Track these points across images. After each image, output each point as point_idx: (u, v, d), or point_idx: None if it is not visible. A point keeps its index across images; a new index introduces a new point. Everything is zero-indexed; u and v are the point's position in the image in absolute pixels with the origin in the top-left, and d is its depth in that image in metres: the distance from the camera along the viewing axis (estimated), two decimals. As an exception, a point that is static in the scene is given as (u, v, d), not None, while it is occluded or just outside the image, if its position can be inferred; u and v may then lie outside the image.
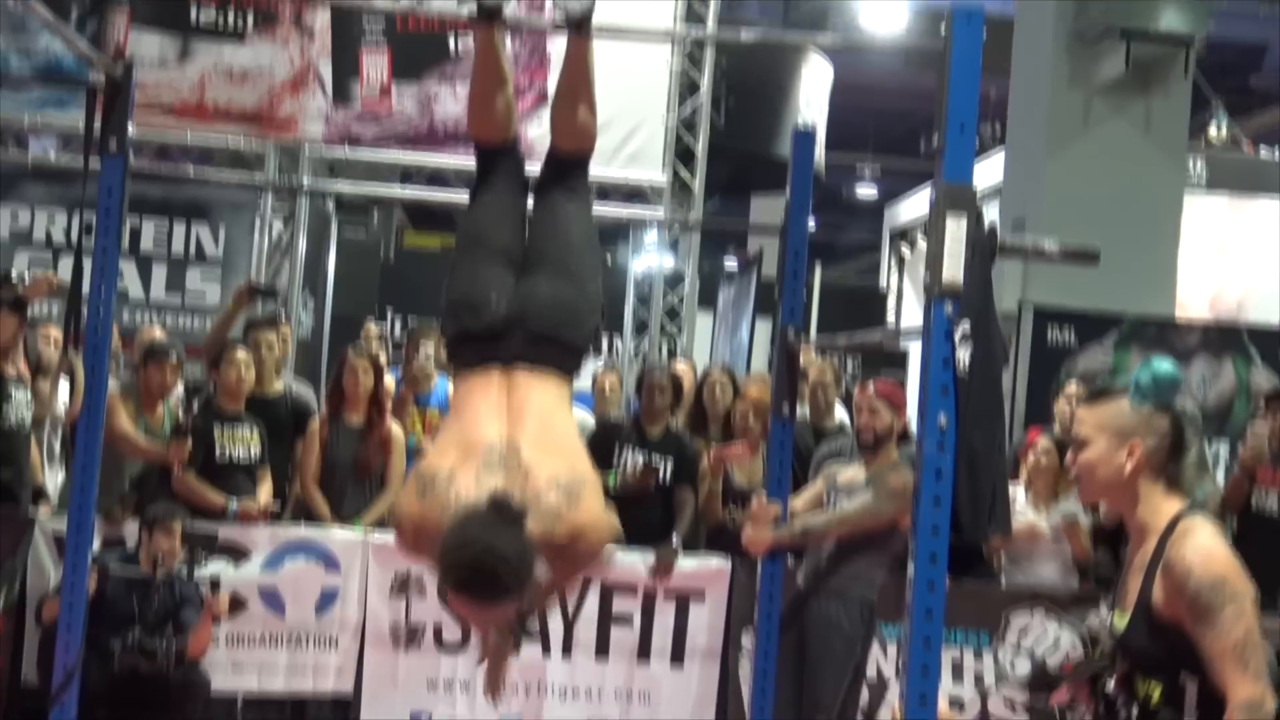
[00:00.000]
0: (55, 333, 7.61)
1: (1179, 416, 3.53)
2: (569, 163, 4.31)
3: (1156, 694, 3.39)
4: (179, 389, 7.73)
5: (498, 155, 4.27)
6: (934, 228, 3.88)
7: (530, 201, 4.29)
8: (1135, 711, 3.44)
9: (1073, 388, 8.44)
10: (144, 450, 7.10)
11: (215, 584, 6.62)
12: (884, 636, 6.98)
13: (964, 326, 3.88)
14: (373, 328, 9.76)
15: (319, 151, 10.46)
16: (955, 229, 3.87)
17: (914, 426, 5.02)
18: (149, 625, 6.47)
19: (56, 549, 6.67)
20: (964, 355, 3.88)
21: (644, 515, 7.27)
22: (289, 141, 10.41)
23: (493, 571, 3.37)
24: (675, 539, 7.23)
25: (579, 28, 4.23)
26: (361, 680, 7.13)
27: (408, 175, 11.51)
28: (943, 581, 3.89)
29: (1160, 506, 3.48)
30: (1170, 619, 3.35)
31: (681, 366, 8.83)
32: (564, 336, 4.00)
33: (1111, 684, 3.51)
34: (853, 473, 6.07)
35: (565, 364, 4.02)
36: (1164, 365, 3.51)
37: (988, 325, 4.00)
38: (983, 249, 3.97)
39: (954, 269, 3.88)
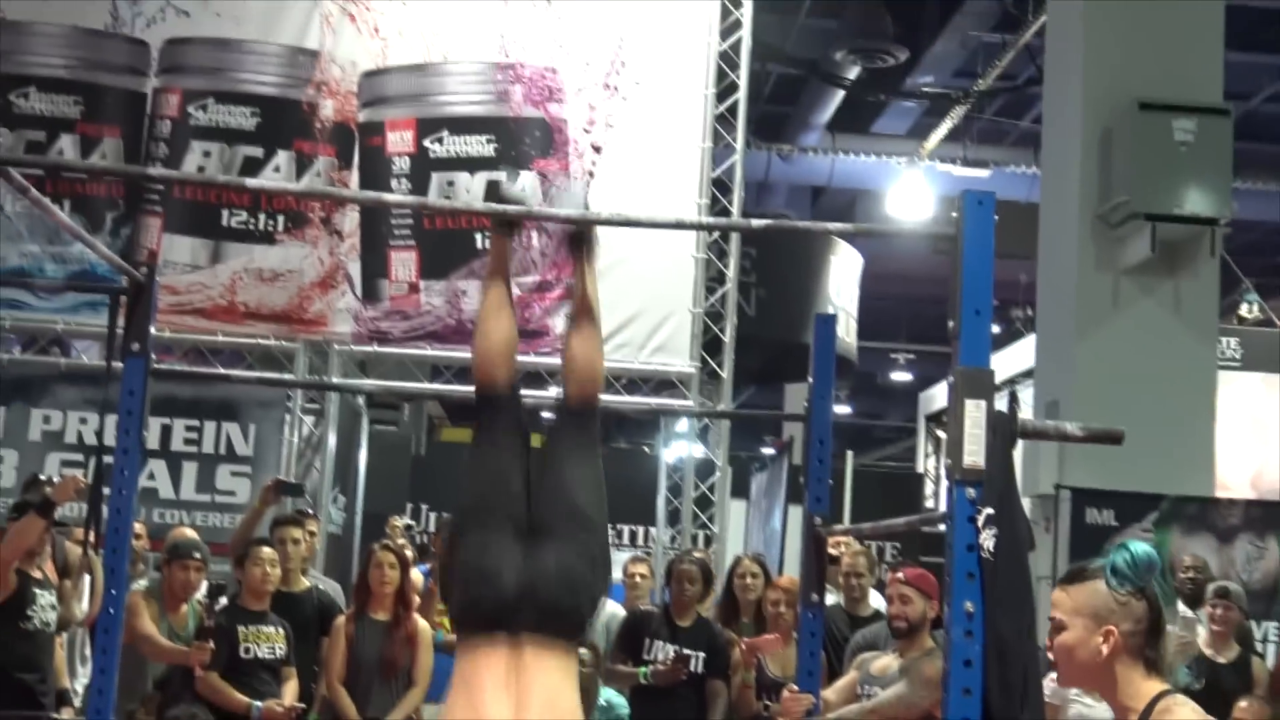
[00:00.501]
0: (82, 535, 7.61)
1: (1155, 598, 3.47)
2: (578, 411, 4.32)
3: None
4: (203, 588, 7.68)
5: (499, 401, 4.26)
6: (953, 413, 3.85)
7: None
8: None
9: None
10: (166, 652, 7.05)
11: None
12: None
13: (987, 511, 3.82)
14: (397, 521, 9.70)
15: (349, 348, 10.53)
16: (974, 413, 3.84)
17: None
18: None
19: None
20: (989, 540, 3.82)
21: (677, 708, 7.15)
22: (318, 340, 10.49)
23: None
24: None
25: (576, 245, 4.29)
26: None
27: (438, 371, 11.57)
28: (976, 774, 3.77)
29: (1140, 689, 3.41)
30: None
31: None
32: (571, 608, 3.99)
33: None
34: (886, 661, 5.96)
35: (572, 633, 4.01)
36: (1140, 546, 3.46)
37: (1012, 509, 3.93)
38: (1004, 432, 3.93)
39: (974, 453, 3.84)
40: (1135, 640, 3.42)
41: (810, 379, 5.78)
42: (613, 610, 8.18)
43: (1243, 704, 6.52)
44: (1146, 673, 3.43)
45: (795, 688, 5.74)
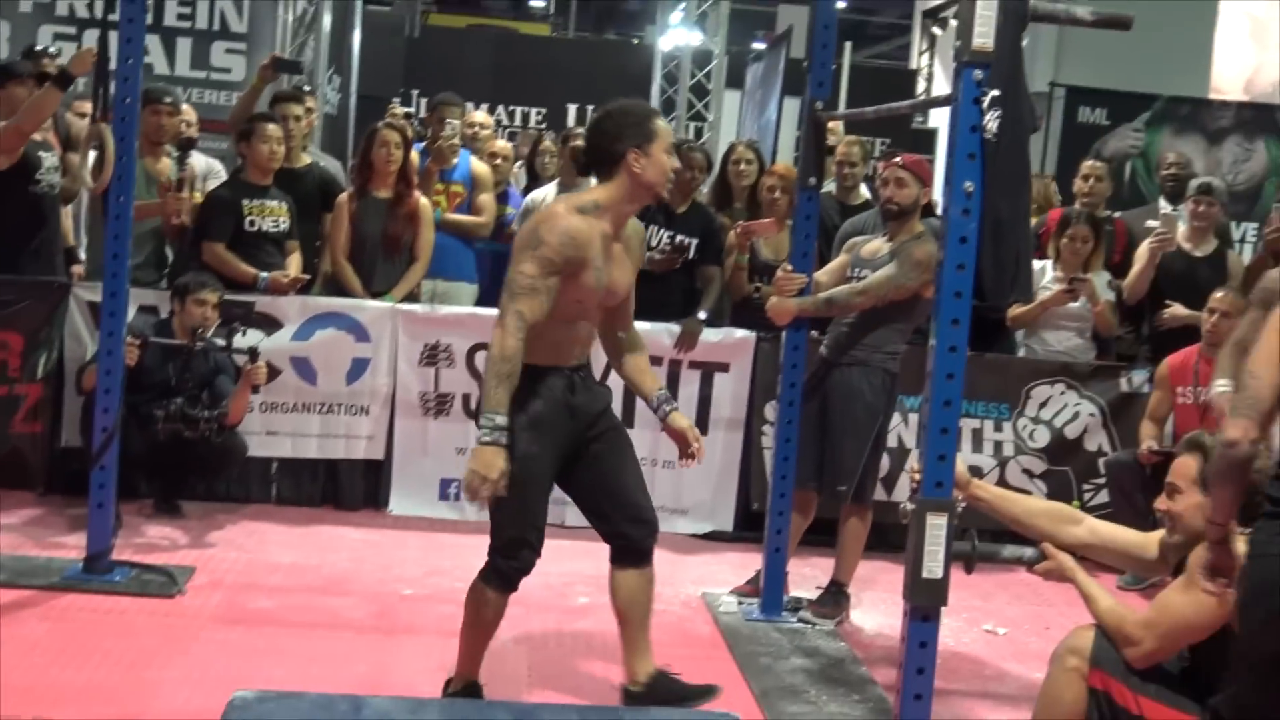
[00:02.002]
0: (87, 107, 7.61)
1: None
2: None
3: None
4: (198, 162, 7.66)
5: None
6: (964, -9, 3.86)
7: None
8: None
9: (1089, 166, 8.34)
10: (140, 209, 7.04)
11: (254, 353, 6.67)
12: (906, 407, 7.11)
13: (993, 93, 3.88)
14: (397, 108, 9.69)
15: (342, -77, 10.32)
16: (986, -7, 3.86)
17: (939, 198, 5.03)
18: (189, 393, 6.62)
19: (92, 317, 6.78)
20: (992, 122, 3.90)
21: (670, 291, 7.34)
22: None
23: None
24: (702, 313, 7.29)
25: None
26: (392, 447, 7.32)
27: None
28: (964, 346, 3.96)
29: None
30: None
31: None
32: None
33: None
34: (876, 245, 6.09)
35: None
36: None
37: (1017, 92, 4.00)
38: (1014, 15, 3.95)
39: (984, 34, 3.88)
40: None
41: (817, -36, 5.74)
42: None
43: (1218, 295, 6.73)
44: None
45: (789, 267, 5.92)
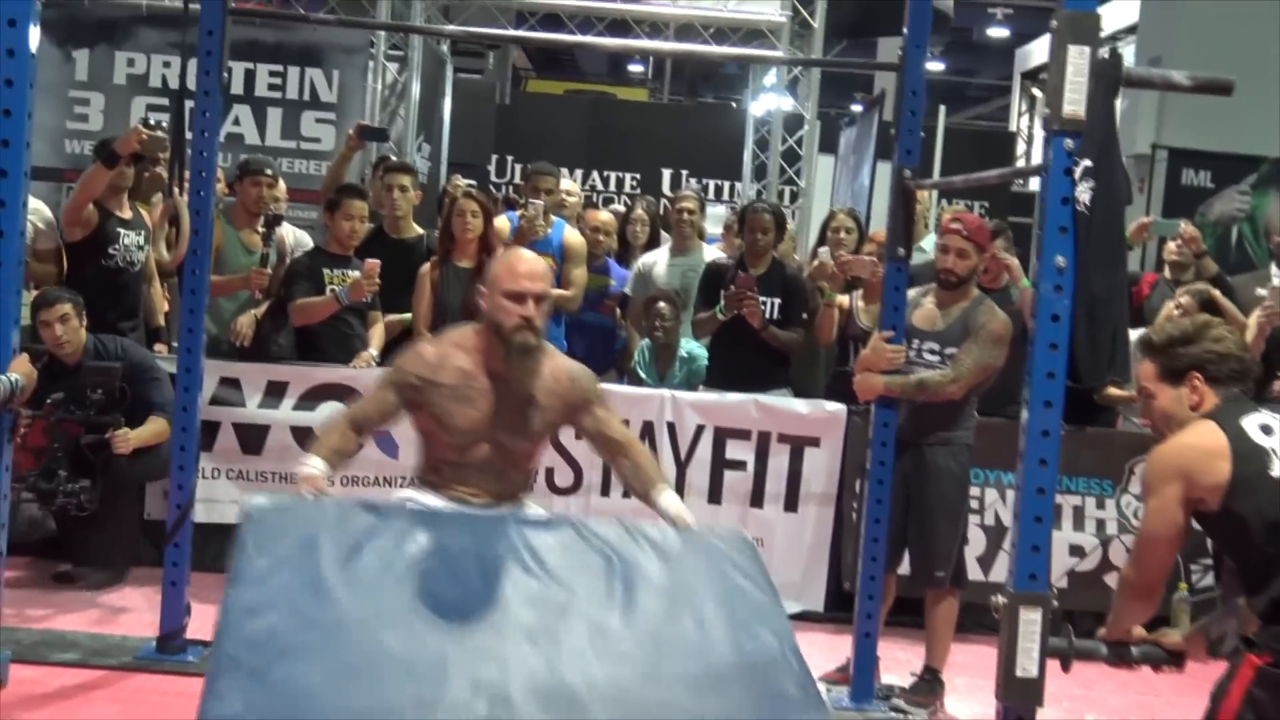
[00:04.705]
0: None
1: None
2: None
3: None
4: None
5: None
6: (1055, 58, 3.68)
7: None
8: None
9: (1187, 228, 8.07)
10: (221, 284, 6.99)
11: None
12: (1004, 484, 6.89)
13: (1085, 163, 3.69)
14: (460, 180, 9.59)
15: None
16: (1077, 59, 3.67)
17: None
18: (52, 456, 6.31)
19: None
20: (1084, 193, 3.70)
21: (754, 357, 7.19)
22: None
23: None
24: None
25: None
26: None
27: (522, 17, 11.35)
28: (1057, 429, 3.75)
29: None
30: None
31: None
32: None
33: None
34: (929, 312, 5.84)
35: None
36: None
37: (1111, 162, 3.81)
38: (1107, 81, 3.77)
39: (1075, 102, 3.68)
40: None
41: (905, 29, 5.58)
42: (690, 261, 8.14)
43: None
44: None
45: (887, 335, 5.70)
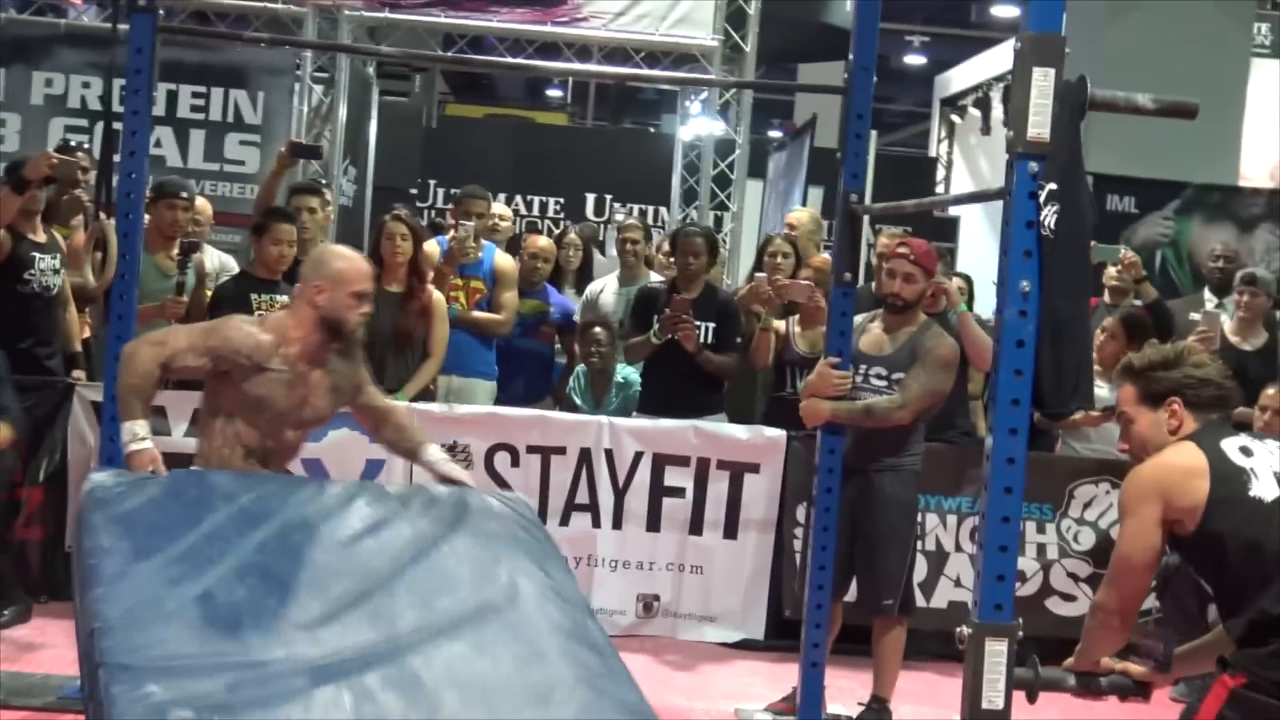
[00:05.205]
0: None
1: None
2: None
3: None
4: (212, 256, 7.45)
5: None
6: (1019, 81, 3.63)
7: None
8: None
9: (1127, 253, 8.10)
10: (141, 311, 6.81)
11: None
12: (945, 509, 6.85)
13: (1050, 186, 3.64)
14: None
15: (359, 13, 10.18)
16: (1042, 81, 3.62)
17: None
18: None
19: (96, 416, 6.52)
20: (1049, 218, 3.65)
21: (686, 382, 7.11)
22: (328, 4, 10.12)
23: None
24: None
25: None
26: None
27: (450, 41, 11.23)
28: (1023, 456, 3.69)
29: None
30: None
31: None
32: None
33: None
34: (876, 338, 5.80)
35: None
36: None
37: (1076, 185, 3.75)
38: (1072, 103, 3.72)
39: (1040, 125, 3.64)
40: None
41: (851, 54, 5.54)
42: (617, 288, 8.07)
43: (1270, 391, 6.45)
44: None
45: (833, 361, 5.63)
